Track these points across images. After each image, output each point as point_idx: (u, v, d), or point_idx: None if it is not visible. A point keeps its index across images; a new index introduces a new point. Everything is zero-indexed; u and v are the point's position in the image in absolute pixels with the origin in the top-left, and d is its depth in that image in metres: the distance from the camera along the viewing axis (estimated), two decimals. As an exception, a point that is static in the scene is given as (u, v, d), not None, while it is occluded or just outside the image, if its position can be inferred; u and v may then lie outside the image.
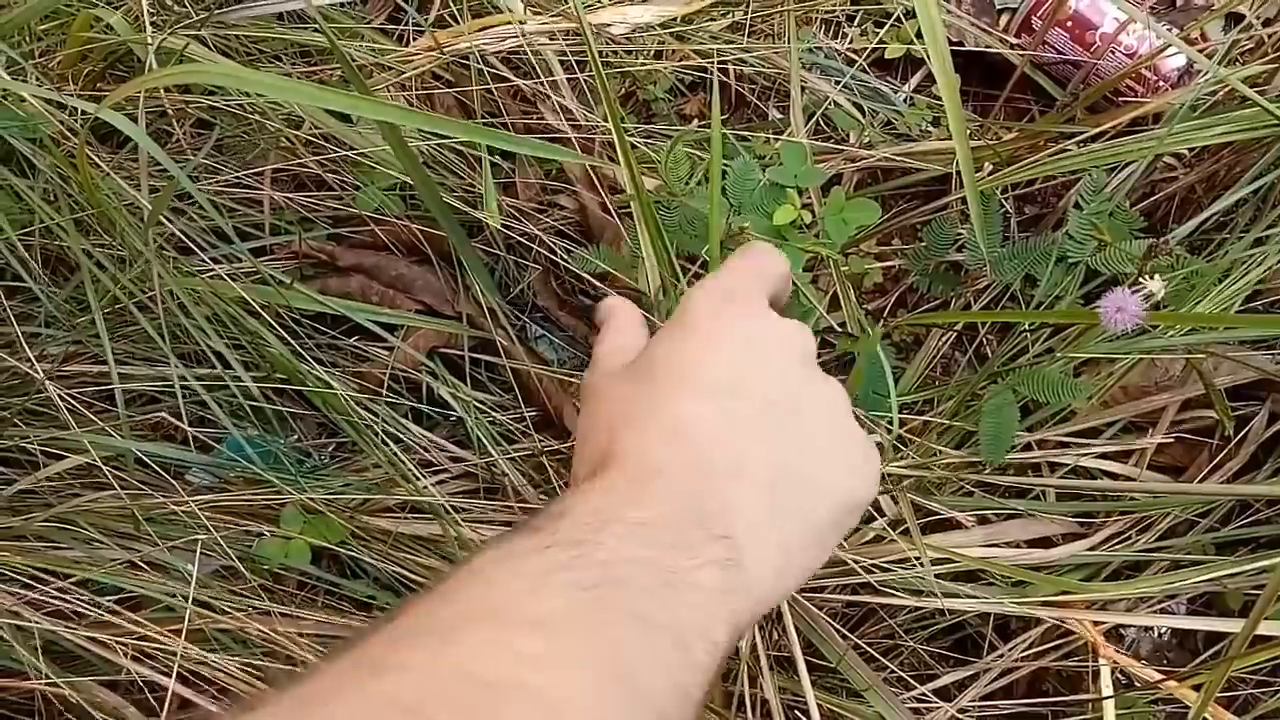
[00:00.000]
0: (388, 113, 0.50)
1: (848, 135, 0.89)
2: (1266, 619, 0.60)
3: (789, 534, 0.33)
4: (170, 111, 0.80)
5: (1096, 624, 0.65)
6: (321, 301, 0.75)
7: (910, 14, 0.89)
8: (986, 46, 0.84)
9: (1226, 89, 0.69)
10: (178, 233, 0.76)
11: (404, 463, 0.70)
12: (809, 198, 0.80)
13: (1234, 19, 0.80)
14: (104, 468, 0.62)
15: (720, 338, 0.36)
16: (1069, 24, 0.80)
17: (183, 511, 0.65)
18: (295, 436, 0.88)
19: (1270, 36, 0.68)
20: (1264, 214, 0.67)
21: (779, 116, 0.93)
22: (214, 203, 0.86)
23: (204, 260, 0.74)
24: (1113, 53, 0.78)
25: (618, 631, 0.27)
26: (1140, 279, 0.57)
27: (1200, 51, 0.71)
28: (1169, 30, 0.78)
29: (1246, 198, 0.71)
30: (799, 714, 0.64)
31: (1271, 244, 0.64)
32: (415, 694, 0.23)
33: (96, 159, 0.71)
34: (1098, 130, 0.68)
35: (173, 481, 0.67)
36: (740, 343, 0.36)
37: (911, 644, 0.69)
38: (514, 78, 0.84)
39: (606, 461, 0.33)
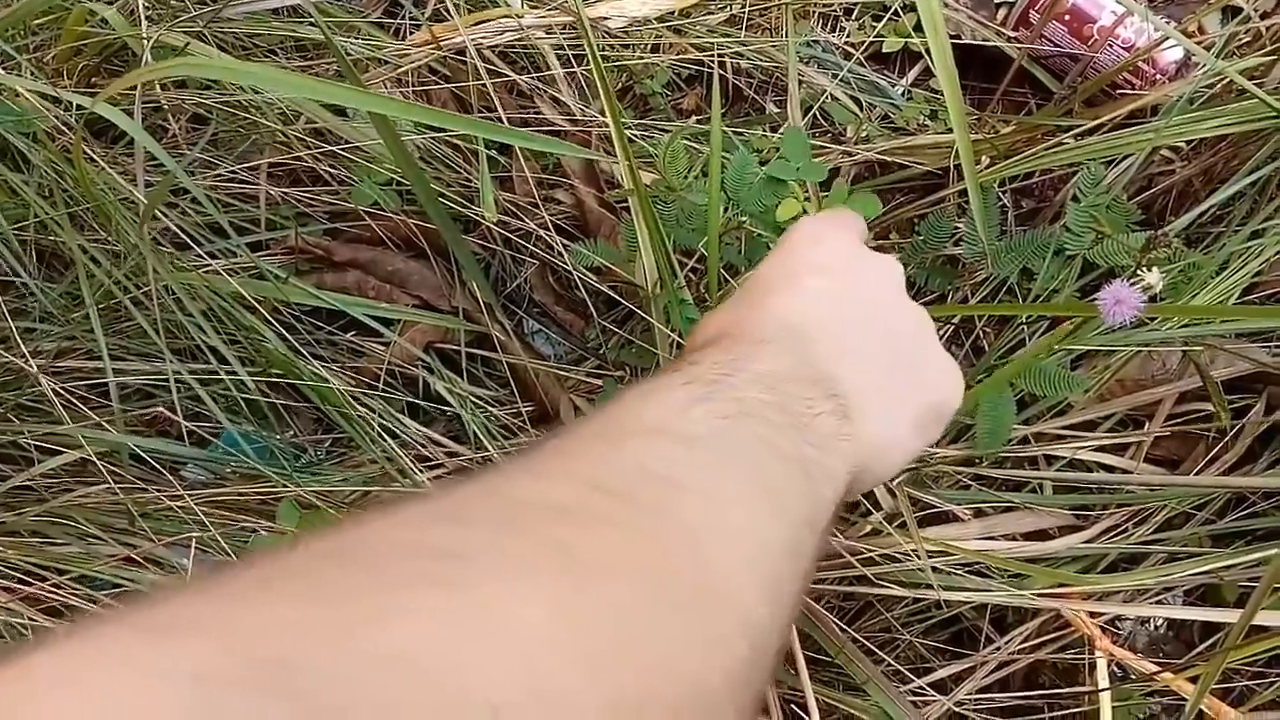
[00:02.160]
0: (379, 104, 0.50)
1: (845, 129, 0.89)
2: (1263, 609, 0.60)
3: (890, 407, 0.36)
4: (165, 106, 0.80)
5: (1093, 616, 0.65)
6: (318, 296, 0.74)
7: (908, 7, 0.89)
8: (984, 40, 0.84)
9: (1224, 81, 0.69)
10: (173, 228, 0.76)
11: (400, 457, 0.70)
12: (808, 193, 0.80)
13: (1231, 11, 0.80)
14: (98, 463, 0.62)
15: (821, 257, 0.39)
16: (1066, 17, 0.80)
17: (178, 507, 0.65)
18: (291, 432, 0.88)
19: (1268, 29, 0.68)
20: (1261, 206, 0.67)
21: (776, 111, 0.93)
22: (210, 198, 0.86)
23: (200, 255, 0.74)
24: (1110, 46, 0.78)
25: (758, 454, 0.29)
26: (1138, 271, 0.57)
27: (1198, 44, 0.71)
28: (1166, 23, 0.78)
29: (1244, 190, 0.70)
30: (796, 709, 0.64)
31: (1269, 236, 0.64)
32: (602, 474, 0.25)
33: (91, 154, 0.70)
34: (1095, 123, 0.68)
35: (168, 477, 0.67)
36: (840, 261, 0.39)
37: (909, 636, 0.69)
38: (510, 72, 0.84)
39: (719, 338, 0.35)
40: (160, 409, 0.73)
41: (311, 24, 0.87)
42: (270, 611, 0.18)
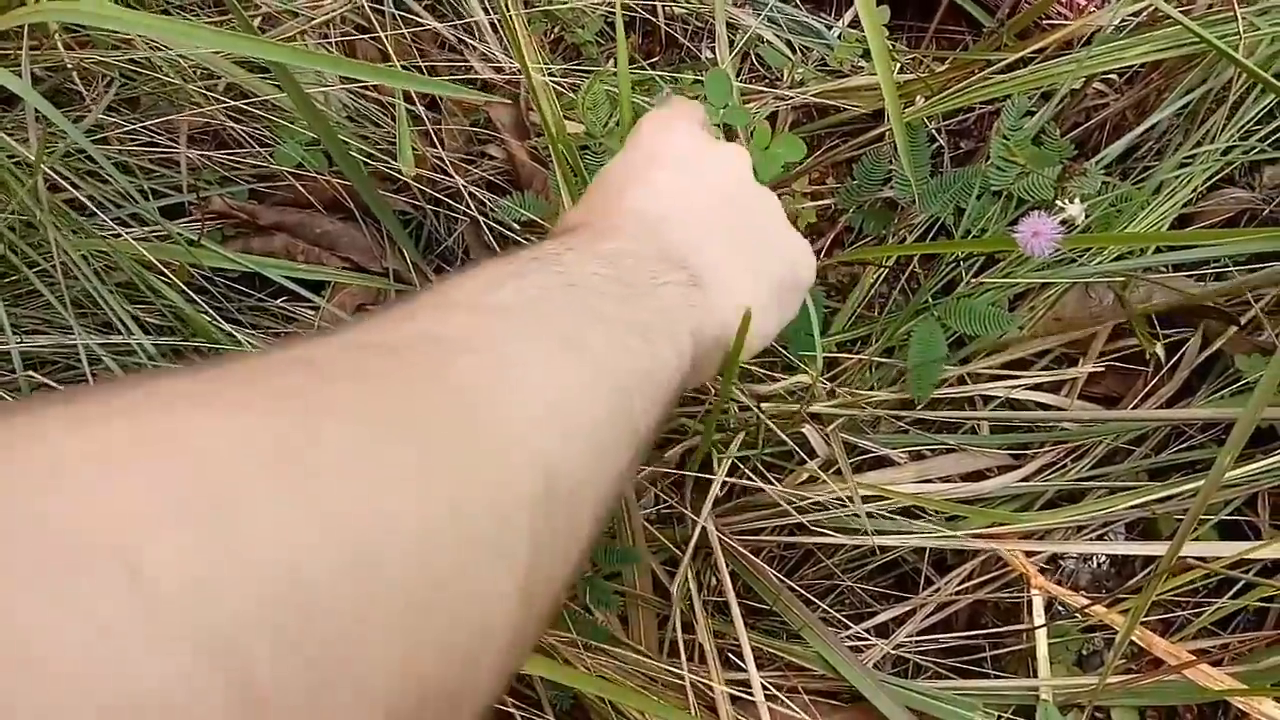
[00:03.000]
0: (271, 51, 0.48)
1: (780, 74, 0.87)
2: (1191, 540, 0.60)
3: (744, 277, 0.36)
4: (70, 66, 0.77)
5: (1029, 555, 0.65)
6: (232, 259, 0.72)
7: (840, -55, 0.87)
8: (917, -24, 0.82)
9: (1151, 9, 0.68)
10: (83, 199, 0.73)
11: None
12: (739, 141, 0.78)
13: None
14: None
15: (669, 147, 0.39)
16: (999, -51, 0.78)
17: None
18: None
19: (1193, -50, 0.67)
20: (1191, 134, 0.66)
21: (711, 57, 0.91)
22: (125, 164, 0.83)
23: (108, 223, 0.71)
24: (1043, -23, 0.76)
25: (574, 319, 0.28)
26: (1058, 203, 0.56)
27: (1127, -29, 0.70)
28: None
29: (1174, 121, 0.69)
30: (733, 657, 0.64)
31: (1197, 165, 0.63)
32: (375, 336, 0.24)
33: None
34: (1021, 55, 0.66)
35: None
36: (687, 152, 0.39)
37: (849, 582, 0.68)
38: (431, 20, 0.81)
39: (571, 230, 0.36)
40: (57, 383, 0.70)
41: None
42: None
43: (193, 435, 0.17)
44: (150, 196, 0.82)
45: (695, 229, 0.36)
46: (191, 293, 0.74)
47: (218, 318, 0.72)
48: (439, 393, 0.23)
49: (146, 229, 0.79)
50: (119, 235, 0.72)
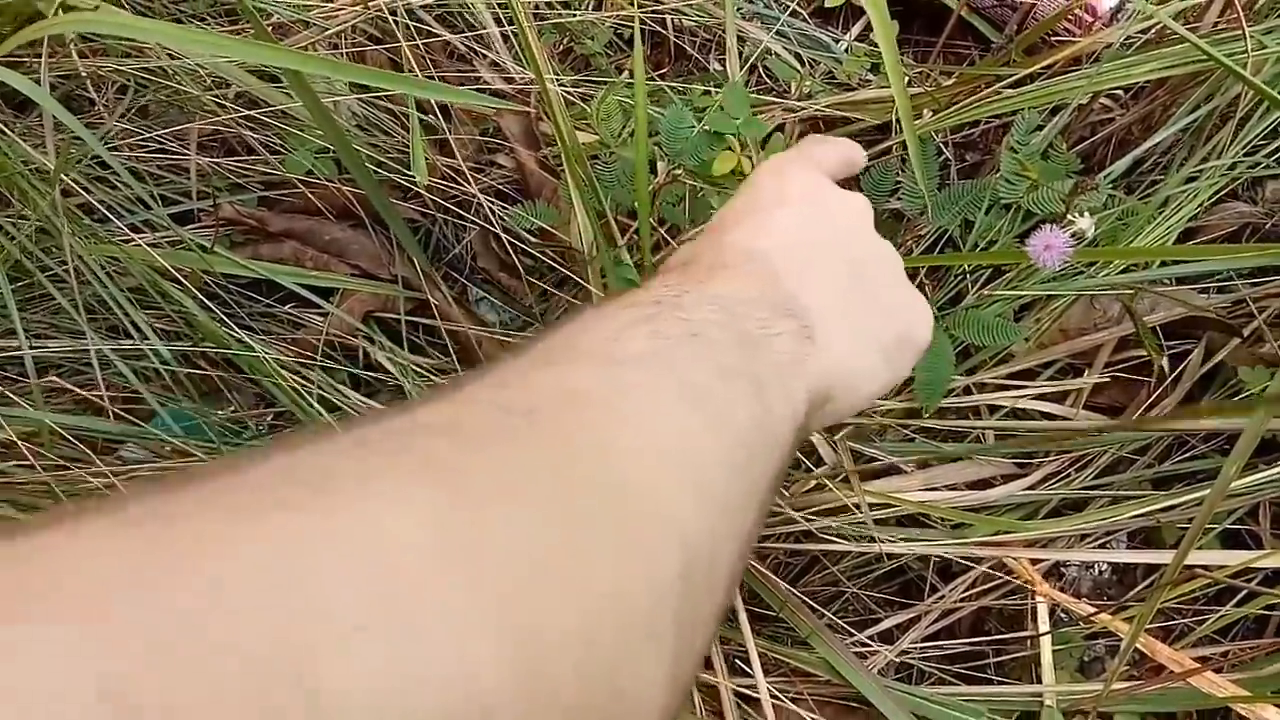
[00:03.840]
0: (288, 59, 0.48)
1: (789, 86, 0.88)
2: (1196, 549, 0.60)
3: (856, 332, 0.35)
4: (84, 74, 0.77)
5: (1034, 562, 0.65)
6: (243, 265, 0.72)
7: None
8: (924, -9, 0.83)
9: (1159, 26, 0.69)
10: (95, 204, 0.73)
11: (335, 428, 0.69)
12: (749, 151, 0.79)
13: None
14: (20, 443, 0.60)
15: (785, 189, 0.38)
16: (1005, -35, 0.79)
17: (103, 485, 0.63)
18: (232, 408, 0.87)
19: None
20: (1196, 150, 0.67)
21: (720, 69, 0.92)
22: (136, 170, 0.84)
23: (122, 229, 0.72)
24: (1049, -6, 0.78)
25: (697, 372, 0.27)
26: (1069, 216, 0.57)
27: (1132, -12, 0.71)
28: (1104, -31, 0.78)
29: (1180, 137, 0.70)
30: (740, 663, 0.64)
31: (1203, 180, 0.64)
32: (510, 396, 0.24)
33: (2, 125, 0.68)
34: (1030, 71, 0.67)
35: (94, 458, 0.65)
36: (806, 195, 0.38)
37: (854, 589, 0.69)
38: (444, 31, 0.82)
39: (678, 267, 0.35)
40: (84, 388, 0.71)
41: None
42: (100, 562, 0.15)
43: (361, 528, 0.17)
44: (161, 203, 0.82)
45: (808, 276, 0.34)
46: (203, 298, 0.74)
47: (229, 323, 0.72)
48: (588, 463, 0.22)
49: (158, 234, 0.80)
50: (131, 241, 0.73)
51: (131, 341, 0.73)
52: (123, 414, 0.80)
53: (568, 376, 0.25)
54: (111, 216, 0.69)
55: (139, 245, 0.70)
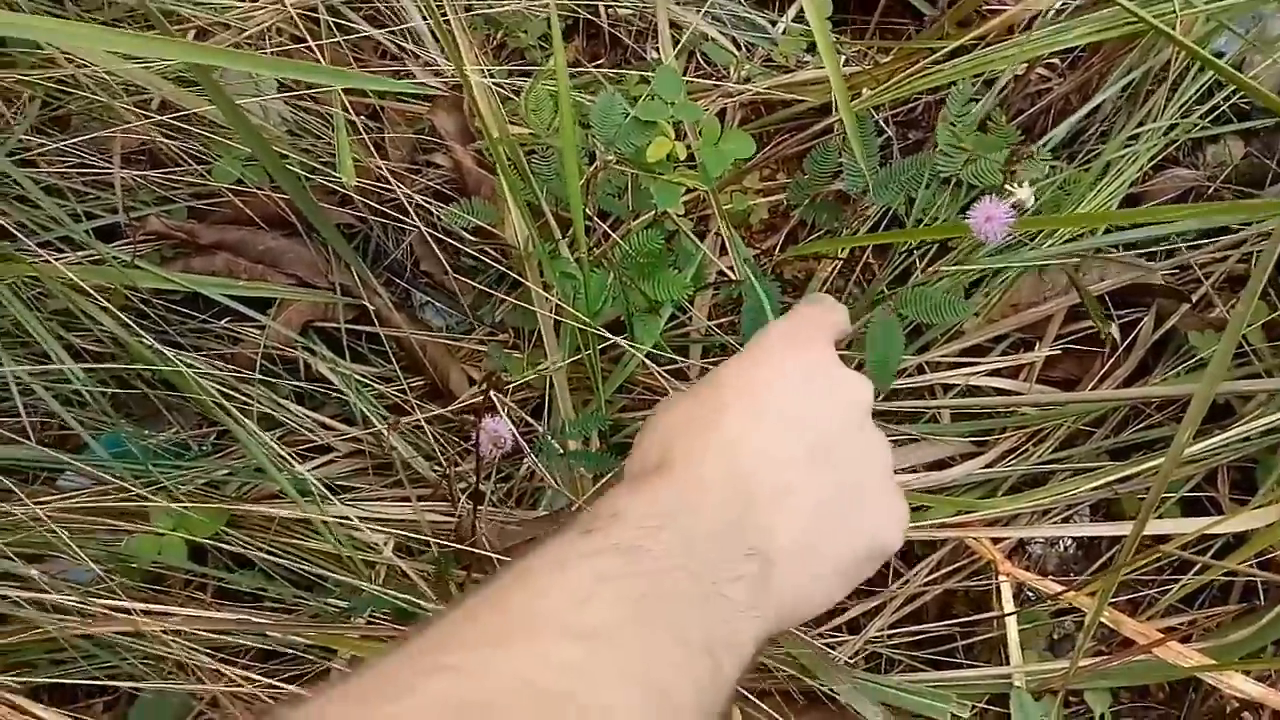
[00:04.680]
0: (192, 53, 0.46)
1: (727, 71, 0.86)
2: (1155, 519, 0.60)
3: (820, 564, 0.35)
4: (-11, 87, 0.74)
5: (996, 541, 0.64)
6: (168, 279, 0.70)
7: (780, -59, 0.87)
8: (858, -31, 0.82)
9: (1090, -9, 0.68)
10: (8, 225, 0.70)
11: (272, 445, 0.66)
12: (683, 134, 0.77)
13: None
14: (-69, 475, 0.57)
15: (788, 372, 0.37)
16: (937, -61, 0.78)
17: (37, 517, 0.60)
18: (174, 429, 0.83)
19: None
20: (1134, 115, 0.66)
21: (656, 58, 0.90)
22: (58, 186, 0.80)
23: (39, 250, 0.69)
24: (981, -35, 0.77)
25: (659, 647, 0.28)
26: (1008, 187, 0.56)
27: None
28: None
29: (1118, 103, 0.70)
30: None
31: (1142, 143, 0.63)
32: (472, 693, 0.24)
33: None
34: (963, 42, 0.66)
35: (17, 490, 0.62)
36: (805, 379, 0.38)
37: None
38: (370, 28, 0.79)
39: (660, 467, 0.34)
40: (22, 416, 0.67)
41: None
42: None
43: None
44: (83, 219, 0.79)
45: (786, 503, 0.34)
46: (130, 318, 0.71)
47: (156, 343, 0.69)
48: None
49: (80, 254, 0.76)
50: (48, 261, 0.70)
51: (53, 365, 0.70)
52: (51, 441, 0.77)
53: (528, 665, 0.25)
54: (23, 237, 0.66)
55: (55, 265, 0.66)
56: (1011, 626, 0.61)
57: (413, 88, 0.59)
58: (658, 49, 0.91)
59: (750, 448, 0.35)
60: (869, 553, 0.37)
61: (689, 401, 0.37)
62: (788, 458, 0.35)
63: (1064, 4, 0.68)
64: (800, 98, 0.81)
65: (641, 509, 0.32)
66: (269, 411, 0.78)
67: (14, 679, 0.58)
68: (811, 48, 0.84)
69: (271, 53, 0.84)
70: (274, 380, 0.80)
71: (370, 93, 0.87)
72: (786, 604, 0.34)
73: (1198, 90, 0.64)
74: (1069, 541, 0.74)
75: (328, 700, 0.23)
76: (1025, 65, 0.70)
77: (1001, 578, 0.62)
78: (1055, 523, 0.70)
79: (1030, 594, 0.71)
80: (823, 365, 0.39)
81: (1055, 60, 0.74)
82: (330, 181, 0.82)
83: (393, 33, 0.83)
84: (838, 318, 0.43)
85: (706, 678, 0.29)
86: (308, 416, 0.80)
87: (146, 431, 0.81)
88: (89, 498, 0.71)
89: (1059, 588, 0.61)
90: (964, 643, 0.68)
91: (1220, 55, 0.70)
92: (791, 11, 0.90)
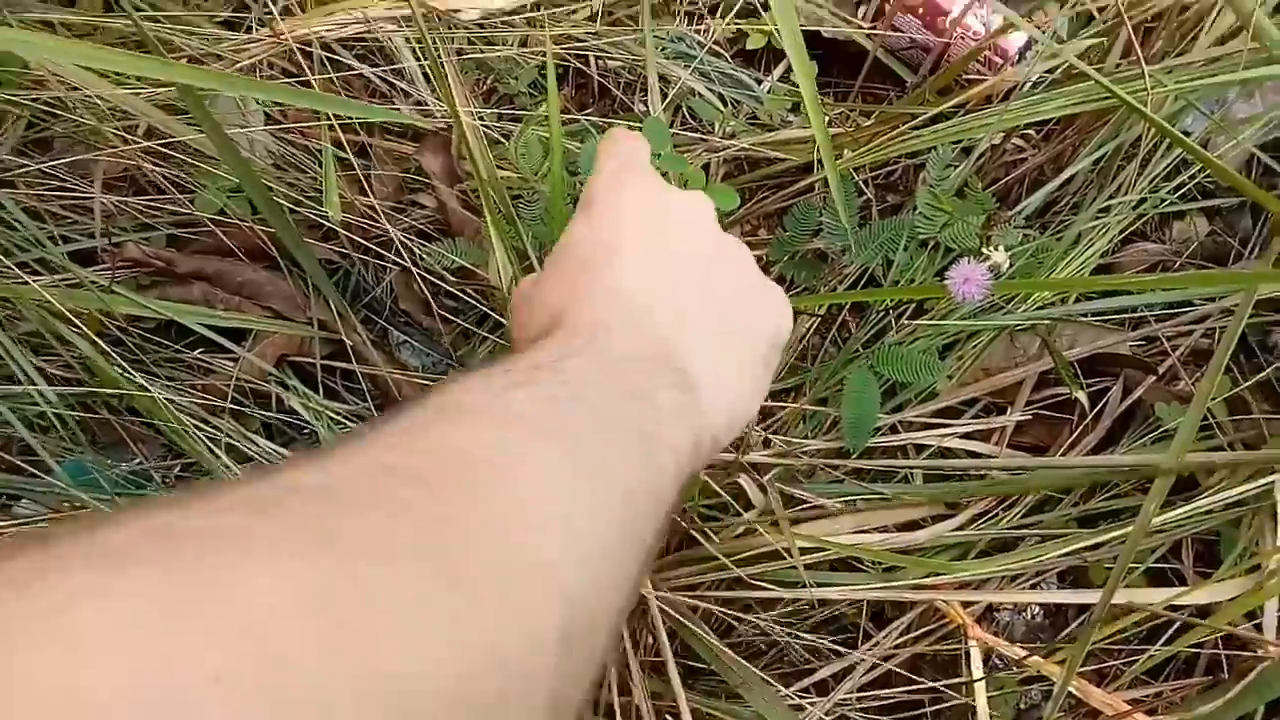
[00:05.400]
0: (182, 74, 0.46)
1: (712, 126, 0.88)
2: (1123, 587, 0.60)
3: (733, 368, 0.36)
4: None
5: (966, 605, 0.64)
6: (144, 305, 0.69)
7: (768, 5, 0.89)
8: (842, 35, 0.84)
9: (1065, 66, 0.70)
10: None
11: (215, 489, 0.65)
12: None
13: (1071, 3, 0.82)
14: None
15: (629, 210, 0.38)
16: (920, 9, 0.80)
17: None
18: (137, 459, 0.82)
19: (1100, 11, 0.70)
20: (1105, 188, 0.68)
21: (644, 109, 0.92)
22: (35, 209, 0.80)
23: (11, 268, 0.68)
24: (961, 37, 0.79)
25: (581, 429, 0.28)
26: (984, 250, 0.57)
27: (1039, 29, 0.72)
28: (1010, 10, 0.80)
29: (1090, 176, 0.72)
30: (670, 719, 0.62)
31: (1113, 214, 0.65)
32: (402, 459, 0.23)
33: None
34: (943, 109, 0.68)
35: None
36: (651, 211, 0.38)
37: (786, 638, 0.67)
38: (359, 65, 0.80)
39: (552, 329, 0.34)
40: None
41: (148, 19, 0.82)
42: None
43: (223, 587, 0.17)
44: (60, 242, 0.78)
45: (682, 318, 0.35)
46: (105, 344, 0.70)
47: (129, 369, 0.68)
48: (470, 527, 0.22)
49: (56, 277, 0.76)
50: (25, 283, 0.69)
51: (20, 387, 0.68)
52: (8, 466, 0.75)
53: (451, 436, 0.25)
54: (1, 256, 0.65)
55: (31, 286, 0.66)
56: (980, 694, 0.61)
57: (403, 118, 0.59)
58: (645, 101, 0.93)
59: (634, 287, 0.35)
60: (771, 346, 0.38)
61: (554, 272, 0.37)
62: (671, 285, 0.36)
63: (1040, 78, 0.70)
64: (783, 155, 0.83)
65: (539, 352, 0.31)
66: (237, 444, 0.77)
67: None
68: (795, 107, 0.85)
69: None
70: (244, 412, 0.79)
71: (359, 129, 0.87)
72: (719, 409, 0.34)
73: (1167, 167, 0.66)
74: (1036, 609, 0.74)
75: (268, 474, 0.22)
76: (1002, 134, 0.71)
77: (971, 642, 0.62)
78: (1024, 588, 0.70)
79: (999, 660, 0.70)
80: (656, 197, 0.39)
81: (1030, 131, 0.76)
82: (313, 216, 0.82)
83: (384, 72, 0.83)
84: (637, 144, 0.43)
85: (637, 462, 0.29)
86: (277, 452, 0.79)
87: (109, 460, 0.80)
88: (46, 525, 0.69)
89: (1024, 653, 0.61)
90: (932, 709, 0.67)
91: (1187, 134, 0.72)
92: (777, 71, 0.92)
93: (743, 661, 0.63)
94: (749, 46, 0.90)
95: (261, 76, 0.84)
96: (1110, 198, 0.66)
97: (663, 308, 0.35)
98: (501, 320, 0.76)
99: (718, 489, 0.63)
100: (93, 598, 0.16)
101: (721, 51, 0.92)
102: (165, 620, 0.16)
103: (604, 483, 0.27)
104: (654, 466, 0.29)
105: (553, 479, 0.25)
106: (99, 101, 0.74)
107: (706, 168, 0.87)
